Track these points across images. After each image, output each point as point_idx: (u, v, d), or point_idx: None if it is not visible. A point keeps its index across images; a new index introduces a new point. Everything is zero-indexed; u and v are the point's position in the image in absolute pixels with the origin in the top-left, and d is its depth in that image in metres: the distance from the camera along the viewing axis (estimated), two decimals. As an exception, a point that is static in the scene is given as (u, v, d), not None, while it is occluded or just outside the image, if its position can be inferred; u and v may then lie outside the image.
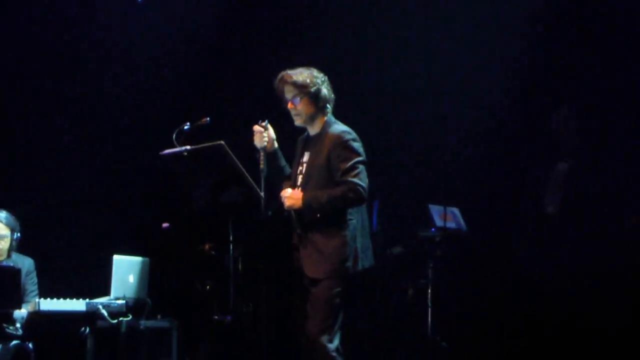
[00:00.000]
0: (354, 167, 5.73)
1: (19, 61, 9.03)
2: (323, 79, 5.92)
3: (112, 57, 9.16)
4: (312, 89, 5.86)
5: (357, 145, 5.81)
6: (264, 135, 5.89)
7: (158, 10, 9.23)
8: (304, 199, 5.74)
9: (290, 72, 5.90)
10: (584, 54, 8.57)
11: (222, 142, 6.02)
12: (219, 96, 9.35)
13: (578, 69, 8.62)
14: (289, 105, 5.89)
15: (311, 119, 5.92)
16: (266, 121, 5.87)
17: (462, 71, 9.01)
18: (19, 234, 7.53)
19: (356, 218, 5.81)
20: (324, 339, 5.70)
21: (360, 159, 5.77)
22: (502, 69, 8.91)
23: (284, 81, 5.89)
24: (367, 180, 5.74)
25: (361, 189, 5.68)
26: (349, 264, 5.76)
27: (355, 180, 5.68)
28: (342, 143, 5.79)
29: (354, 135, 5.85)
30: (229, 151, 6.01)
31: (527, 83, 8.89)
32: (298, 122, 5.92)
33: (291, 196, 5.77)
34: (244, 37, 9.48)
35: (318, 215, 5.75)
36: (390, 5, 9.16)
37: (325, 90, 5.90)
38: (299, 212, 5.77)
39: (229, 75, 9.47)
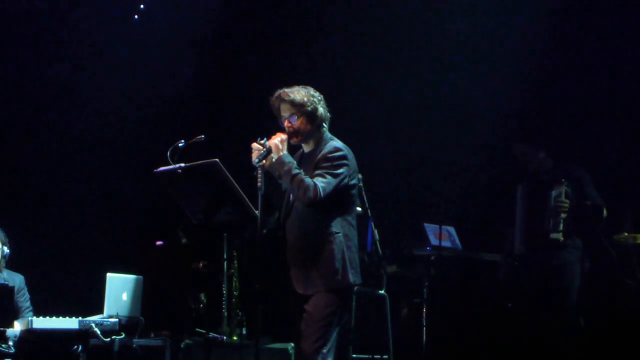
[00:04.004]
0: (324, 175, 5.74)
1: (13, 75, 9.03)
2: (319, 98, 5.93)
3: (108, 74, 9.16)
4: (309, 108, 5.87)
5: (342, 162, 5.80)
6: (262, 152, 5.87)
7: (154, 27, 9.24)
8: (281, 157, 5.76)
9: (287, 90, 5.90)
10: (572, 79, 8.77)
11: (217, 159, 6.00)
12: (214, 114, 9.35)
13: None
14: (286, 124, 5.89)
15: (307, 137, 5.92)
16: (264, 139, 5.86)
17: (459, 93, 9.07)
18: (8, 250, 7.49)
19: (342, 232, 5.80)
20: (319, 357, 5.68)
21: (338, 171, 5.77)
22: (497, 91, 8.98)
23: (280, 99, 5.89)
24: (329, 192, 5.71)
25: (318, 194, 5.68)
26: (338, 277, 5.75)
27: (321, 184, 5.69)
28: (329, 157, 5.80)
29: (344, 152, 5.85)
30: (224, 169, 5.99)
31: (522, 107, 8.98)
32: (294, 140, 5.92)
33: (277, 144, 5.78)
34: (239, 55, 9.49)
35: (277, 174, 5.80)
36: (385, 27, 9.23)
37: (321, 109, 5.91)
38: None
39: (225, 92, 9.47)
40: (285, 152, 5.81)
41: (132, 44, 9.22)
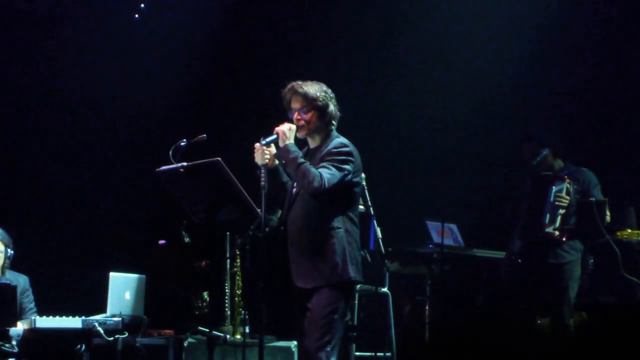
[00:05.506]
0: (329, 167, 5.75)
1: (16, 72, 9.04)
2: (332, 96, 5.94)
3: (109, 73, 9.16)
4: (321, 103, 5.87)
5: (348, 158, 5.80)
6: (266, 152, 5.86)
7: (156, 26, 9.24)
8: (287, 145, 5.77)
9: (300, 82, 5.91)
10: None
11: (219, 158, 6.00)
12: (217, 113, 9.35)
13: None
14: (295, 116, 5.88)
15: (315, 132, 5.92)
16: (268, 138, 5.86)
17: (461, 90, 9.07)
18: (12, 251, 7.48)
19: (343, 228, 5.79)
20: (323, 355, 5.68)
21: (343, 166, 5.76)
22: (500, 89, 9.00)
23: (293, 91, 5.89)
24: (334, 184, 5.71)
25: (323, 185, 5.68)
26: (339, 271, 5.75)
27: (326, 175, 5.70)
28: (334, 151, 5.81)
29: (350, 149, 5.85)
30: (226, 168, 5.99)
31: (523, 101, 8.99)
32: (301, 133, 5.91)
33: (285, 131, 5.79)
34: (242, 53, 9.49)
35: (283, 162, 5.82)
36: (386, 25, 9.24)
37: (332, 107, 5.91)
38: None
39: (227, 91, 9.47)
40: (291, 141, 5.81)
41: (132, 43, 9.22)
